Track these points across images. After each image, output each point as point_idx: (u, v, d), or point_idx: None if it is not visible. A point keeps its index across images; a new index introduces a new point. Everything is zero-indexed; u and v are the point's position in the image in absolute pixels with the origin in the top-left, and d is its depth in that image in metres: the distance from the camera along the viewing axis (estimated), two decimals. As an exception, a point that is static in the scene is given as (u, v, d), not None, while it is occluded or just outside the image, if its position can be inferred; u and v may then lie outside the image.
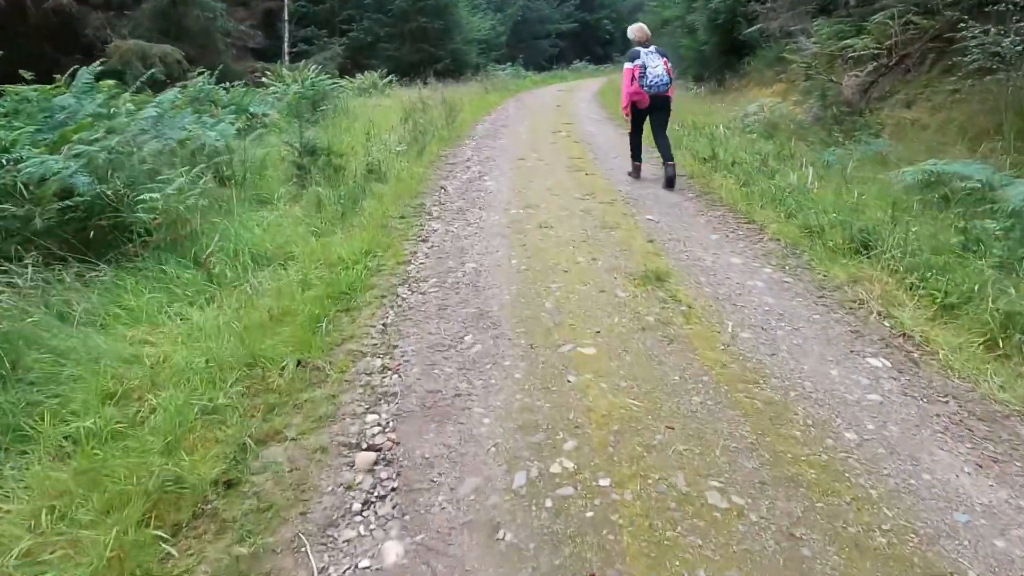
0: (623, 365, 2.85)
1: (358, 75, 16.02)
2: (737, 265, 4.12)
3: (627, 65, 6.33)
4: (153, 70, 12.11)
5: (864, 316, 3.35)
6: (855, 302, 3.51)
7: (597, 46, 39.39)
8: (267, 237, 4.35)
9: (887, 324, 3.25)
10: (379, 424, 2.53)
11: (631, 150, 6.86)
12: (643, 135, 6.79)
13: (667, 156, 6.35)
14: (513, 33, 27.68)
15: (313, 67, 15.39)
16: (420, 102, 12.26)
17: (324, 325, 3.31)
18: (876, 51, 9.19)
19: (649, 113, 6.44)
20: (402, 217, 5.39)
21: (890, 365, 2.87)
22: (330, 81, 14.82)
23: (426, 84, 16.65)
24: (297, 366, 2.92)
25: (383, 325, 3.39)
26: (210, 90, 9.31)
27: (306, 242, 4.38)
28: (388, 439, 2.43)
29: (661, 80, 6.20)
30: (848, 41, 9.74)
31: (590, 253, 4.34)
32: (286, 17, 19.20)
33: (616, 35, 41.62)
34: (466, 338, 3.19)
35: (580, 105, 14.96)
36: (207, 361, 2.81)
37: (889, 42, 9.12)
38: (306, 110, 9.94)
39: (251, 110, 10.07)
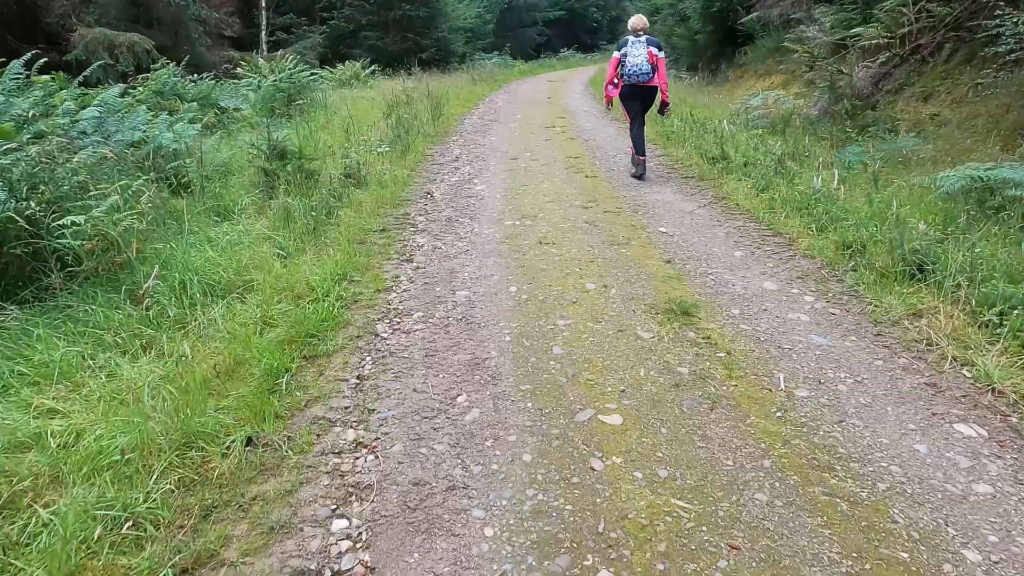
0: (660, 443, 2.25)
1: (339, 65, 15.23)
2: (772, 292, 3.53)
3: (614, 54, 6.28)
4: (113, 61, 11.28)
5: (936, 362, 2.77)
6: (921, 342, 2.93)
7: (585, 34, 38.57)
8: (224, 261, 3.69)
9: (968, 375, 2.67)
10: (348, 535, 1.91)
11: (632, 143, 6.40)
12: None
13: (640, 149, 6.24)
14: (500, 22, 26.85)
15: (291, 57, 14.59)
16: (404, 94, 11.54)
17: (285, 381, 2.67)
18: (887, 40, 8.62)
19: (632, 102, 6.32)
20: (383, 230, 4.73)
21: (986, 435, 2.30)
22: (309, 72, 14.05)
23: (410, 75, 15.88)
24: (246, 445, 2.29)
25: (357, 379, 2.76)
26: (175, 83, 8.55)
27: (270, 266, 3.72)
28: (360, 562, 1.82)
29: (640, 69, 6.00)
30: (856, 30, 9.15)
31: (600, 277, 3.73)
32: (263, 4, 18.27)
33: (604, 23, 40.85)
34: (459, 398, 2.58)
35: (572, 97, 14.28)
36: (130, 442, 2.18)
37: (902, 31, 8.54)
38: (281, 105, 9.20)
39: (221, 104, 9.32)
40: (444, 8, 19.16)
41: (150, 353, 2.86)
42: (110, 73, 13.33)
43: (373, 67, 16.21)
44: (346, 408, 2.55)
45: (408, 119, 9.13)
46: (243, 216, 4.65)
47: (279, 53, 15.46)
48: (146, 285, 3.12)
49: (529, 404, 2.51)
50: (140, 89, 8.34)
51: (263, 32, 18.32)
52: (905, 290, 3.34)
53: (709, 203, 5.33)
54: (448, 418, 2.45)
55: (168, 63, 8.87)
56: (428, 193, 5.80)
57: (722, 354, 2.83)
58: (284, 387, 2.64)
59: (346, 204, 5.15)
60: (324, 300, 3.38)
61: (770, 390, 2.57)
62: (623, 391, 2.56)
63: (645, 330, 3.07)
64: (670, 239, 4.40)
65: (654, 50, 6.05)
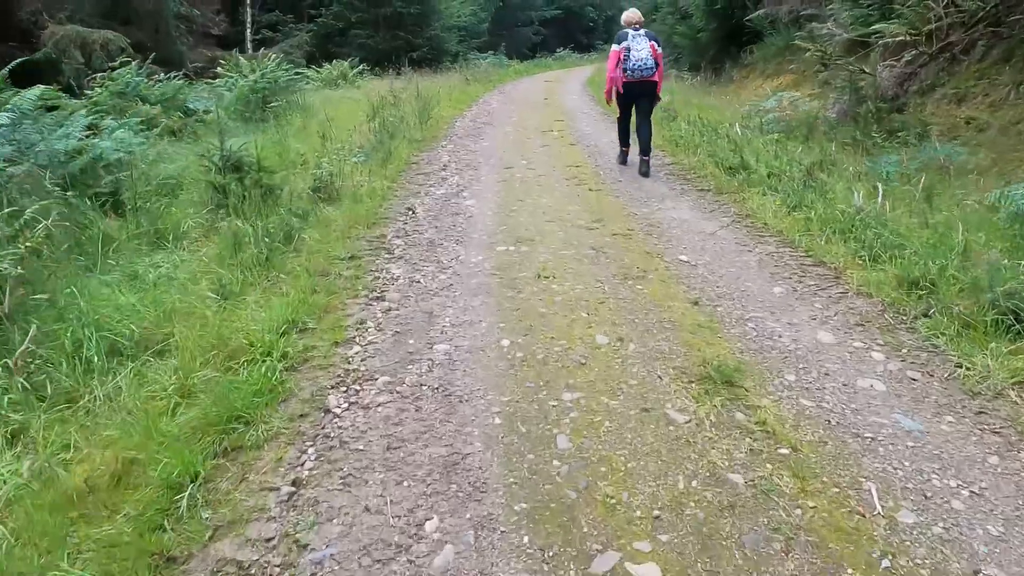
0: (720, 623, 1.51)
1: (325, 65, 14.45)
2: (830, 347, 2.79)
3: (613, 48, 6.07)
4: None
5: (1074, 460, 2.04)
6: (1042, 427, 2.20)
7: (581, 34, 37.84)
8: (144, 306, 2.93)
9: (1125, 482, 1.94)
10: None
11: (619, 136, 6.65)
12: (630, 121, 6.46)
13: (645, 149, 6.14)
14: (495, 20, 26.09)
15: (274, 56, 13.81)
16: (391, 95, 10.77)
17: (189, 494, 1.92)
18: (913, 37, 7.89)
19: (634, 99, 6.18)
20: (352, 258, 3.98)
21: None
22: (292, 71, 13.28)
23: (400, 74, 15.12)
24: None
25: (292, 486, 2.01)
26: (138, 83, 7.76)
27: (202, 312, 2.97)
28: None
29: (644, 64, 5.85)
30: (877, 26, 8.41)
31: (614, 326, 2.98)
32: (248, 1, 17.48)
33: (600, 23, 40.13)
34: (428, 525, 1.83)
35: (570, 97, 13.54)
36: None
37: (929, 27, 7.81)
38: (255, 107, 8.43)
39: (189, 106, 8.55)
40: (437, 6, 18.40)
41: (15, 446, 2.11)
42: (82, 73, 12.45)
43: (362, 66, 15.44)
44: (268, 542, 1.79)
45: (394, 122, 8.38)
46: (185, 243, 3.90)
47: (260, 52, 14.68)
48: (22, 347, 2.37)
49: (526, 538, 1.76)
50: (98, 90, 7.57)
51: (248, 30, 17.52)
52: (1003, 347, 2.61)
53: (732, 222, 4.59)
54: (410, 561, 1.71)
55: (129, 61, 8.08)
56: (410, 209, 5.05)
57: (786, 450, 2.09)
58: (185, 506, 1.88)
59: (312, 225, 4.40)
60: (263, 361, 2.62)
61: (862, 513, 1.83)
62: (657, 517, 1.82)
63: (678, 410, 2.32)
64: (693, 271, 3.66)
65: (655, 44, 5.97)
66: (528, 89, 15.73)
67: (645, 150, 6.11)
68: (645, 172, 6.05)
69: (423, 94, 11.20)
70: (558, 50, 32.79)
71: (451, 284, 3.55)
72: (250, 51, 17.53)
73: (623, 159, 6.60)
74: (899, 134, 7.03)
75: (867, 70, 8.06)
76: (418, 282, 3.61)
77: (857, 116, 7.70)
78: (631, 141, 6.53)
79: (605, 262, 3.77)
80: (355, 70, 15.00)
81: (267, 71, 12.29)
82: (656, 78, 5.99)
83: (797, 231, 4.19)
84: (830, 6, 10.81)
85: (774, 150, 6.28)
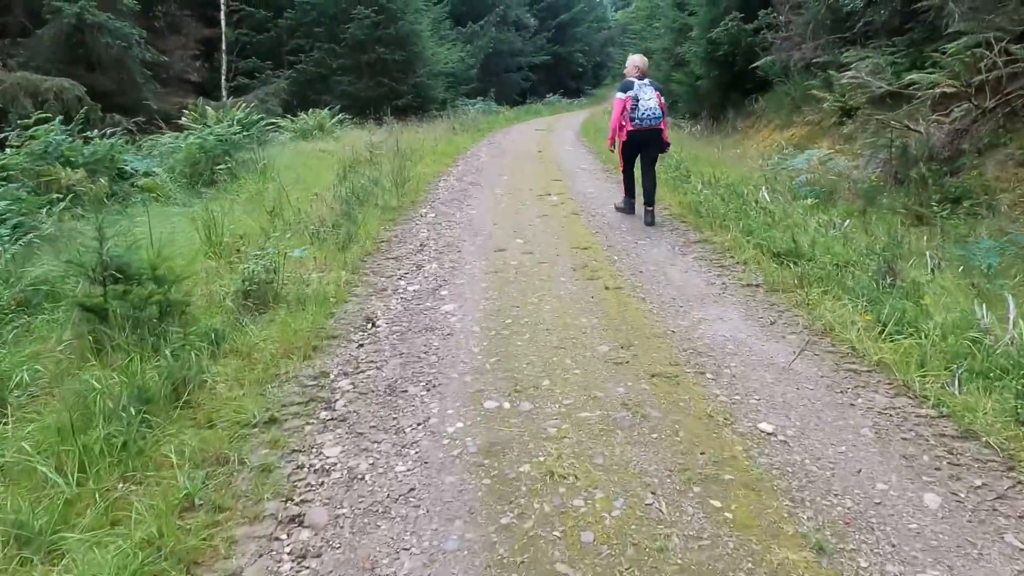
0: None
1: (301, 114, 13.34)
2: None
3: (619, 96, 5.92)
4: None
5: None
6: None
7: (570, 79, 37.40)
8: None
9: None
10: None
11: (624, 185, 6.43)
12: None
13: (649, 199, 6.03)
14: (484, 66, 25.37)
15: (244, 104, 12.69)
16: (369, 150, 9.61)
17: None
18: (961, 89, 6.82)
19: (640, 148, 6.03)
20: (269, 423, 2.65)
21: None
22: (263, 121, 12.16)
23: (381, 123, 14.04)
24: None
25: None
26: (60, 143, 6.51)
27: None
28: None
29: (653, 113, 5.80)
30: (915, 76, 7.34)
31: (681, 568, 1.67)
32: (223, 47, 16.49)
33: (588, 68, 39.87)
34: None
35: (565, 149, 12.46)
36: None
37: (980, 78, 6.74)
38: (204, 168, 7.19)
39: (130, 167, 7.30)
40: (423, 52, 17.49)
41: None
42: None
43: (340, 115, 14.36)
44: None
45: (366, 185, 7.16)
46: (18, 407, 2.56)
47: (229, 100, 13.56)
48: None
49: None
50: (11, 152, 6.32)
51: (223, 77, 16.48)
52: None
53: (806, 343, 3.32)
54: None
55: (49, 116, 6.84)
56: (369, 320, 3.75)
57: None
58: None
59: (225, 358, 3.09)
60: None
61: None
62: None
63: None
64: (786, 455, 2.36)
65: (659, 94, 5.96)
66: (520, 139, 14.68)
67: (649, 200, 6.01)
68: (650, 222, 5.93)
69: (405, 148, 10.05)
70: (548, 96, 32.19)
71: (413, 487, 2.22)
72: (225, 98, 16.49)
73: (630, 209, 6.36)
74: (963, 203, 5.89)
75: (913, 126, 6.98)
76: (362, 479, 2.29)
77: (906, 179, 6.57)
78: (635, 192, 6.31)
79: (650, 441, 2.46)
80: (333, 119, 13.90)
81: (233, 122, 11.16)
82: (662, 126, 6.00)
83: (909, 368, 2.92)
84: (846, 54, 9.87)
85: (825, 229, 5.08)
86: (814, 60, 10.72)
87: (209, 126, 11.48)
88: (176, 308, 3.22)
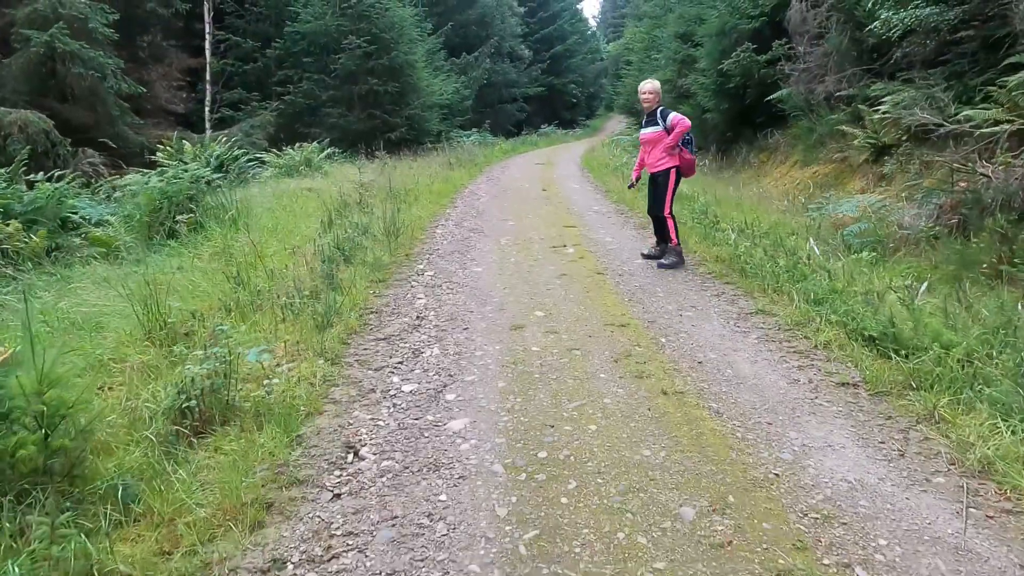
0: None
1: (287, 149, 12.41)
2: None
3: (682, 121, 5.51)
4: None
5: None
6: None
7: (564, 110, 36.94)
8: None
9: None
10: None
11: (674, 231, 5.70)
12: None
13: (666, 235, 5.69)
14: (478, 97, 24.71)
15: (224, 138, 11.75)
16: (358, 191, 8.65)
17: None
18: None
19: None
20: None
21: None
22: (245, 156, 11.22)
23: (374, 158, 13.14)
24: None
25: None
26: (-7, 189, 5.49)
27: None
28: None
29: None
30: (969, 112, 6.51)
31: None
32: (208, 77, 15.64)
33: (582, 99, 39.50)
34: None
35: (570, 186, 11.56)
36: None
37: (1048, 114, 5.90)
38: (166, 216, 6.18)
39: (81, 215, 6.28)
40: (417, 83, 16.71)
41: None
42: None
43: (330, 149, 13.47)
44: None
45: (353, 237, 6.17)
46: None
47: (207, 135, 12.63)
48: None
49: None
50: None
51: (207, 109, 15.60)
52: None
53: (968, 496, 2.32)
54: None
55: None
56: (349, 450, 2.71)
57: None
58: None
59: (136, 523, 2.06)
60: None
61: None
62: None
63: None
64: None
65: None
66: (520, 174, 13.79)
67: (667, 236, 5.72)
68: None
69: (398, 187, 9.12)
70: (543, 127, 31.60)
71: None
72: (208, 131, 15.58)
73: (680, 260, 5.71)
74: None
75: (981, 169, 6.09)
76: None
77: (978, 231, 5.66)
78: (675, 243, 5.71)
79: None
80: (322, 153, 12.98)
81: (211, 158, 10.21)
82: None
83: None
84: (875, 87, 9.08)
85: (907, 297, 4.11)
86: (837, 93, 9.96)
87: (185, 162, 10.52)
88: (65, 458, 2.18)
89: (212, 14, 15.71)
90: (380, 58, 15.29)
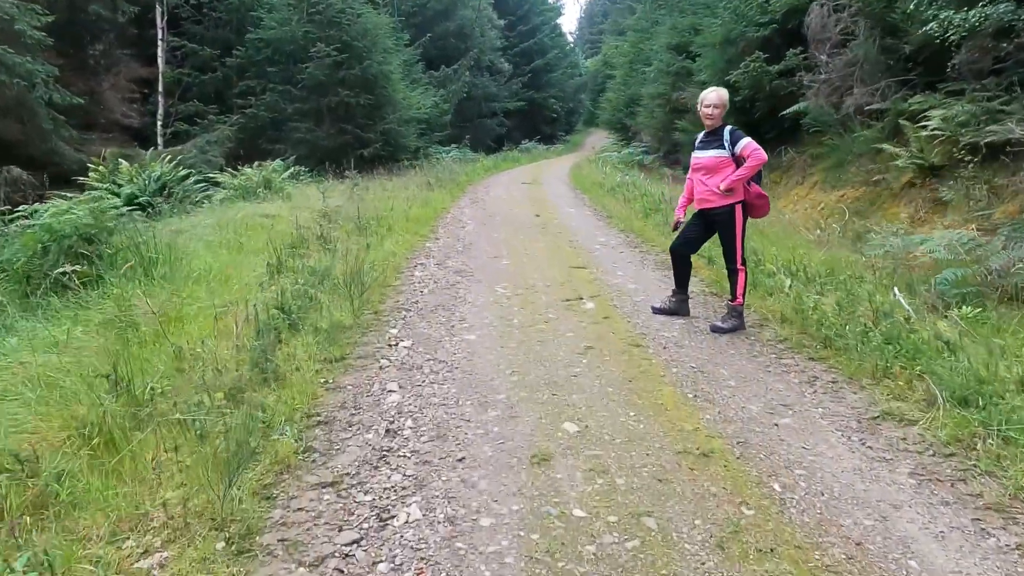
0: None
1: (243, 168, 10.81)
2: None
3: (757, 152, 4.04)
4: None
5: None
6: None
7: (544, 125, 35.73)
8: None
9: None
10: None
11: (739, 287, 4.22)
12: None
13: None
14: (458, 111, 23.33)
15: (169, 157, 10.12)
16: (320, 221, 7.14)
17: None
18: None
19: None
20: None
21: None
22: (192, 178, 9.62)
23: (344, 177, 11.62)
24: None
25: None
26: None
27: None
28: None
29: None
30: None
31: None
32: (160, 88, 13.97)
33: (562, 115, 38.39)
34: None
35: (566, 211, 10.14)
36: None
37: None
38: (50, 266, 4.57)
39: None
40: (393, 96, 15.24)
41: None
42: None
43: (295, 168, 11.91)
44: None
45: (307, 288, 4.65)
46: None
47: (150, 151, 10.97)
48: None
49: None
50: None
51: (158, 123, 13.92)
52: None
53: None
54: None
55: None
56: None
57: None
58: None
59: None
60: None
61: None
62: None
63: None
64: None
65: None
66: (507, 195, 12.36)
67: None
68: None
69: (369, 213, 7.62)
70: (524, 142, 30.34)
71: None
72: (160, 147, 13.89)
73: (739, 321, 4.26)
74: None
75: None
76: None
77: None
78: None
79: None
80: (285, 172, 11.41)
81: (150, 179, 8.60)
82: None
83: None
84: (914, 99, 7.87)
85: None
86: (867, 107, 8.74)
87: (119, 184, 8.89)
88: None
89: (166, 19, 14.08)
90: (352, 68, 13.79)
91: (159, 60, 13.90)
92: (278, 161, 11.78)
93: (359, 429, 2.90)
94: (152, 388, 2.94)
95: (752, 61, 10.65)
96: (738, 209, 4.09)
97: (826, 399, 3.17)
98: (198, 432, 2.64)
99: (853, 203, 8.43)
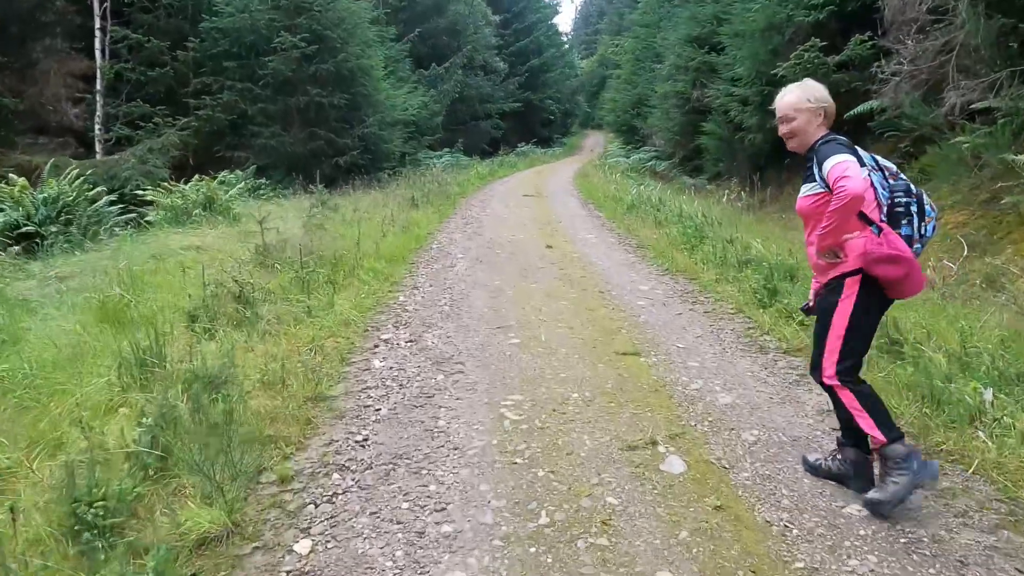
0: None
1: (177, 184, 8.58)
2: None
3: (844, 176, 1.98)
4: None
5: None
6: None
7: (540, 127, 33.58)
8: None
9: None
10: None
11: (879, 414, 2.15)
12: None
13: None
14: (450, 114, 21.17)
15: (75, 171, 7.87)
16: (254, 262, 4.97)
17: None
18: None
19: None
20: None
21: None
22: (105, 198, 7.41)
23: (312, 191, 9.43)
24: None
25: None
26: None
27: None
28: None
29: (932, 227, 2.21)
30: None
31: None
32: (99, 86, 11.72)
33: (558, 117, 36.27)
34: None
35: (584, 236, 7.96)
36: None
37: None
38: None
39: None
40: (374, 95, 13.04)
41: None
42: None
43: (252, 181, 9.71)
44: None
45: (153, 435, 2.46)
46: None
47: (100, 157, 8.71)
48: None
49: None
50: None
51: (97, 125, 11.66)
52: None
53: None
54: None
55: None
56: None
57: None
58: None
59: None
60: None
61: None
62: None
63: None
64: None
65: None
66: (507, 213, 10.14)
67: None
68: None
69: (327, 247, 5.47)
70: (520, 145, 28.20)
71: None
72: (100, 154, 11.64)
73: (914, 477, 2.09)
74: None
75: None
76: None
77: None
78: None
79: None
80: (237, 186, 9.20)
81: (39, 204, 6.38)
82: None
83: None
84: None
85: None
86: (972, 105, 6.63)
87: (15, 203, 6.68)
88: None
89: (106, 5, 11.82)
90: (324, 62, 11.58)
91: (96, 53, 11.64)
92: (230, 173, 9.56)
93: None
94: None
95: (805, 50, 8.52)
96: (853, 285, 2.05)
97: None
98: None
99: (965, 232, 6.31)
